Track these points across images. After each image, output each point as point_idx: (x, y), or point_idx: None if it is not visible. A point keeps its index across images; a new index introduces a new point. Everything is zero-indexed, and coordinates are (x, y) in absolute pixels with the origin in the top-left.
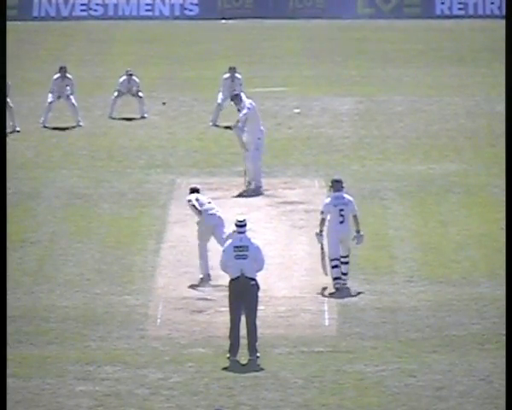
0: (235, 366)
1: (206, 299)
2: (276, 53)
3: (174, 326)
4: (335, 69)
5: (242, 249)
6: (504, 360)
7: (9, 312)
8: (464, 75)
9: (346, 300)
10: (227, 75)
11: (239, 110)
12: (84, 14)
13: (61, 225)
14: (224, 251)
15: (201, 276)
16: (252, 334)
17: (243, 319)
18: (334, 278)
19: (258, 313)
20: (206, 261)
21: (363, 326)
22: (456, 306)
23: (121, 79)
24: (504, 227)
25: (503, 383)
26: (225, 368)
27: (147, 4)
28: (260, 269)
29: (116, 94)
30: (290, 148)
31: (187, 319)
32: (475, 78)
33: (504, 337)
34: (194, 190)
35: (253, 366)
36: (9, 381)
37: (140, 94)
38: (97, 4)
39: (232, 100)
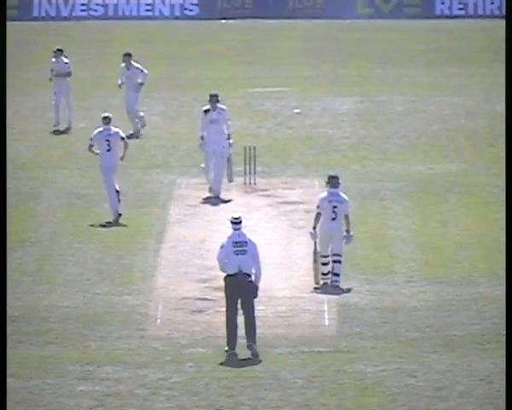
0: (235, 366)
1: (206, 299)
2: (276, 53)
3: (174, 326)
4: (335, 69)
5: (241, 245)
6: (504, 360)
7: (9, 312)
8: (464, 75)
9: (345, 300)
10: (122, 64)
11: (210, 110)
12: (84, 14)
13: (61, 225)
14: (222, 247)
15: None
16: (251, 327)
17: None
18: (322, 274)
19: (259, 313)
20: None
21: (363, 326)
22: (456, 306)
23: (52, 60)
24: (504, 227)
25: (503, 383)
26: (225, 368)
27: (147, 4)
28: (259, 267)
29: (54, 87)
30: (290, 148)
31: (187, 319)
32: (475, 78)
33: (504, 337)
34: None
35: (254, 362)
36: (9, 381)
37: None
38: (97, 4)
39: (210, 98)
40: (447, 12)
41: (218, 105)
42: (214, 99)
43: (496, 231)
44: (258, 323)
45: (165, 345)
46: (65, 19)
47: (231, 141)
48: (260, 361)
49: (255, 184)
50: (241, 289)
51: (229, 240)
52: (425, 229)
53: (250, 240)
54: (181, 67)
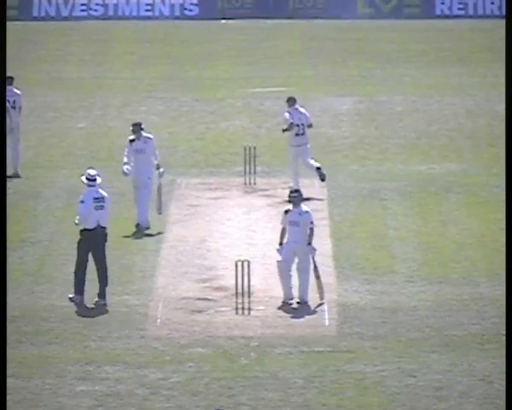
0: (232, 366)
1: (206, 299)
2: (276, 53)
3: (174, 326)
4: (335, 69)
5: (100, 201)
6: (504, 360)
7: (9, 312)
8: (464, 75)
9: (345, 300)
10: None
11: (135, 140)
12: (84, 14)
13: (61, 225)
14: (83, 202)
15: None
16: (104, 279)
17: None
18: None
19: (258, 313)
20: None
21: (363, 326)
22: (456, 306)
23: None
24: (504, 227)
25: (503, 383)
26: (225, 368)
27: (147, 4)
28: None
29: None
30: None
31: (187, 319)
32: (475, 78)
33: (504, 337)
34: None
35: (100, 310)
36: (9, 381)
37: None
38: (97, 4)
39: (133, 127)
40: (447, 12)
41: (143, 134)
42: (137, 128)
43: (496, 231)
44: (257, 323)
45: (165, 345)
46: (65, 19)
47: (162, 170)
48: (260, 361)
49: (255, 184)
50: (97, 242)
51: (89, 195)
52: (425, 229)
53: (106, 195)
54: (181, 67)
